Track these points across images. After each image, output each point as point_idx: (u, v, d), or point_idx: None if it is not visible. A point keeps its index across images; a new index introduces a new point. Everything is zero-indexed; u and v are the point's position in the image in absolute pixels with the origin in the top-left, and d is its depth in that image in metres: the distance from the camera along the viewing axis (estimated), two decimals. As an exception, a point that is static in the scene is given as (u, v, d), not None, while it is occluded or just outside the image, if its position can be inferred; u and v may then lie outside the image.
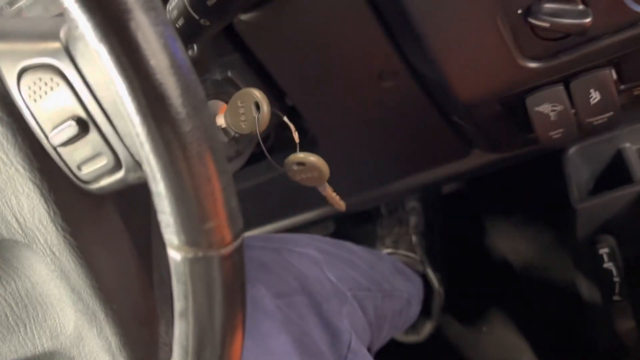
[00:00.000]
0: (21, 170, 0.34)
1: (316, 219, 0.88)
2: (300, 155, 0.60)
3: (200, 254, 0.28)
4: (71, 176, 0.35)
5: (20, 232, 0.35)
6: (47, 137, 0.33)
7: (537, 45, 0.53)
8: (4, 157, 0.34)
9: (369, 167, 0.78)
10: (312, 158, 0.60)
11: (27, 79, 0.33)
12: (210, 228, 0.27)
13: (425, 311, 1.06)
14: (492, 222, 1.09)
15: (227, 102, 0.53)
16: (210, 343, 0.30)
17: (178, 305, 0.29)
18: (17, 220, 0.35)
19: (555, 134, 0.59)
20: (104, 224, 0.37)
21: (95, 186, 0.35)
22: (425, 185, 0.81)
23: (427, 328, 1.08)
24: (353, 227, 1.17)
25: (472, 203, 1.11)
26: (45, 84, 0.32)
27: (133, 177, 0.33)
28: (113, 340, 0.36)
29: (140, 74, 0.25)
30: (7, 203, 0.35)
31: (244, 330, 0.31)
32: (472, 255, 1.10)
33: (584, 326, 0.84)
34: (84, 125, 0.32)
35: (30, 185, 0.34)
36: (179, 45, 0.27)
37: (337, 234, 1.11)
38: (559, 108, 0.57)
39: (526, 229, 1.05)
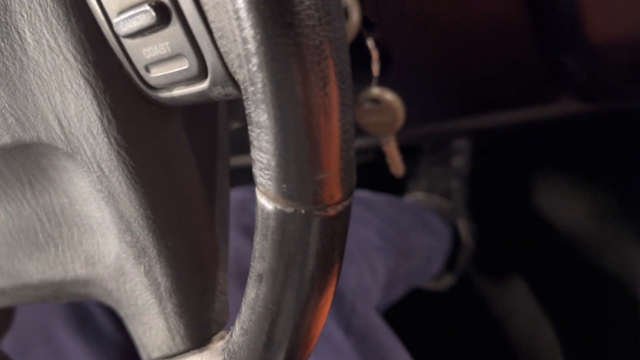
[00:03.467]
0: (72, 60, 0.27)
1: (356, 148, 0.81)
2: (376, 91, 0.52)
3: (302, 210, 0.23)
4: (135, 78, 0.28)
5: (63, 137, 0.29)
6: (110, 22, 0.26)
7: None
8: (51, 40, 0.27)
9: (436, 98, 0.70)
10: (388, 96, 0.52)
11: None
12: (321, 180, 0.23)
13: (451, 262, 1.01)
14: (545, 175, 1.01)
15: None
16: (289, 316, 0.26)
17: (259, 264, 0.25)
18: (59, 122, 0.29)
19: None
20: (168, 143, 0.31)
21: (164, 95, 0.28)
22: (495, 127, 0.73)
23: (448, 279, 1.03)
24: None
25: (527, 150, 1.03)
26: None
27: (219, 92, 0.26)
28: (163, 282, 0.31)
29: None
30: (49, 99, 0.29)
31: (329, 307, 0.27)
32: (516, 208, 1.03)
33: (632, 307, 0.79)
34: (163, 14, 0.24)
35: (82, 81, 0.27)
36: None
37: (373, 165, 1.03)
38: None
39: (585, 188, 0.97)
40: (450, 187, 1.01)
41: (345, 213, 0.24)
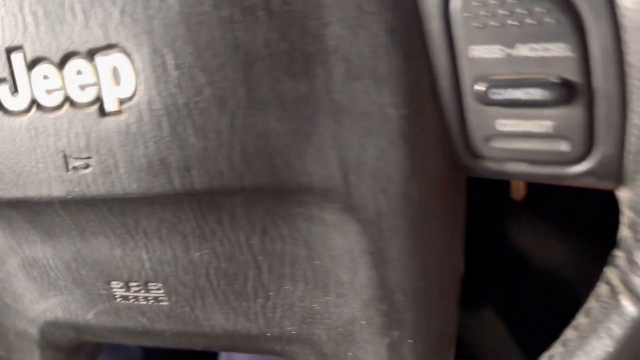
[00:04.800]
0: (392, 113, 0.23)
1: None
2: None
3: None
4: (459, 142, 0.24)
5: (343, 190, 0.25)
6: (458, 80, 0.22)
7: None
8: (370, 84, 0.22)
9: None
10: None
11: None
12: None
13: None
14: (524, 212, 1.05)
15: None
16: None
17: None
18: (344, 174, 0.24)
19: None
20: (455, 210, 0.27)
21: (490, 166, 0.24)
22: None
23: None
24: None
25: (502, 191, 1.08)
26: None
27: (589, 181, 0.22)
28: (407, 358, 0.28)
29: None
30: (340, 147, 0.24)
31: None
32: (492, 242, 1.06)
33: None
34: (567, 92, 0.20)
35: (396, 138, 0.23)
36: None
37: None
38: None
39: (564, 231, 1.01)
40: None
41: None
